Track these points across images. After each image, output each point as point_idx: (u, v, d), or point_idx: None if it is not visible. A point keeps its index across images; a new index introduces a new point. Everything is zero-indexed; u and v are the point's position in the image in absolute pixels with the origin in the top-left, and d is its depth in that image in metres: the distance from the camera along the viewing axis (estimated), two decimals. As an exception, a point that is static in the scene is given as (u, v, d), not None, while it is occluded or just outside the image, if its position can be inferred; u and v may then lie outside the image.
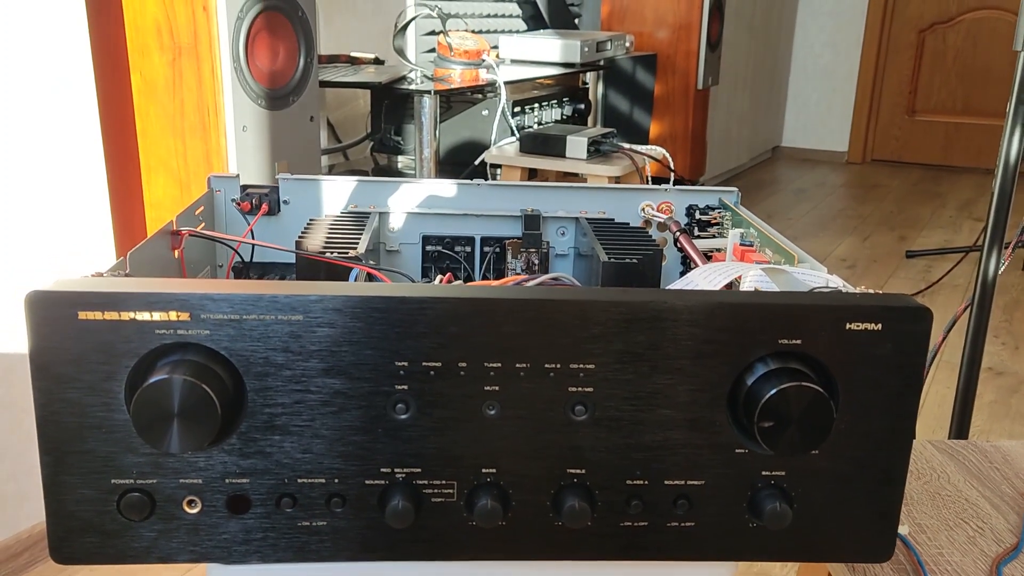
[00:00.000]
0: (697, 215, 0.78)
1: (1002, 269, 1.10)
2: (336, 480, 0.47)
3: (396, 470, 0.47)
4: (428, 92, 2.02)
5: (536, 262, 0.75)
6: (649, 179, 2.14)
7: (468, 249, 0.77)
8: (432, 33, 2.51)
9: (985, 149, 4.35)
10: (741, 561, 0.51)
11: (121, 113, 1.46)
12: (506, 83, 2.22)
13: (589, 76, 2.86)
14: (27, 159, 1.25)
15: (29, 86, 1.24)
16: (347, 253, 0.61)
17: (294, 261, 0.65)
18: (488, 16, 2.93)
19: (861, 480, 0.49)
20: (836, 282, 0.54)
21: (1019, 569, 0.58)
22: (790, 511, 0.48)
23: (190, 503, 0.47)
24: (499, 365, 0.46)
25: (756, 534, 0.49)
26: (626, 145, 2.12)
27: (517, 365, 0.46)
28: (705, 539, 0.49)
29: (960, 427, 1.18)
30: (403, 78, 2.14)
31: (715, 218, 0.78)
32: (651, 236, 0.74)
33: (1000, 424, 1.92)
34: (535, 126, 2.35)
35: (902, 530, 0.60)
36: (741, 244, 0.70)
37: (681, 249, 0.74)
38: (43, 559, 1.35)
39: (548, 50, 2.63)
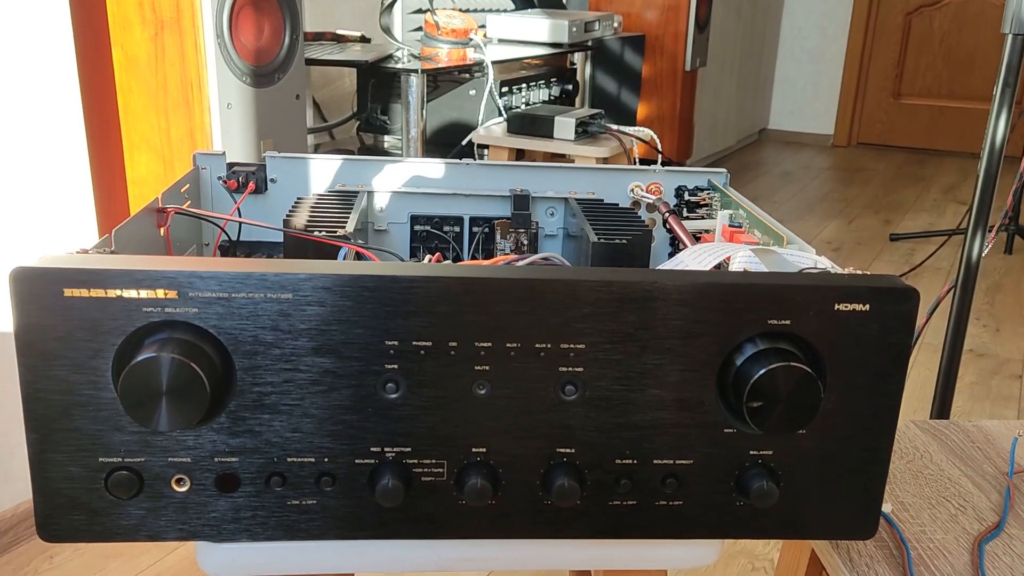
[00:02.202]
0: (686, 196, 0.78)
1: (985, 252, 1.11)
2: (326, 459, 0.47)
3: (386, 449, 0.47)
4: (415, 71, 2.00)
5: (525, 242, 0.75)
6: (637, 161, 2.14)
7: (457, 229, 0.77)
8: (419, 11, 2.48)
9: (969, 133, 4.37)
10: (728, 539, 0.51)
11: (102, 88, 1.44)
12: (494, 63, 2.20)
13: (577, 57, 2.85)
14: (6, 135, 1.23)
15: (7, 60, 1.22)
16: (335, 232, 0.61)
17: (282, 240, 0.64)
18: (475, -6, 2.90)
19: (846, 459, 0.49)
20: (824, 263, 0.54)
21: (1000, 547, 0.58)
22: (776, 489, 0.48)
23: (179, 481, 0.46)
24: (489, 345, 0.46)
25: (743, 512, 0.50)
26: (614, 126, 2.11)
27: (507, 345, 0.46)
28: (693, 517, 0.50)
29: (942, 408, 1.19)
30: (390, 57, 2.13)
31: (704, 199, 0.78)
32: (640, 217, 0.74)
33: (980, 405, 1.94)
34: (523, 106, 2.34)
35: (885, 508, 0.61)
36: (730, 225, 0.70)
37: (670, 230, 0.74)
38: (27, 538, 1.35)
39: (536, 30, 2.61)
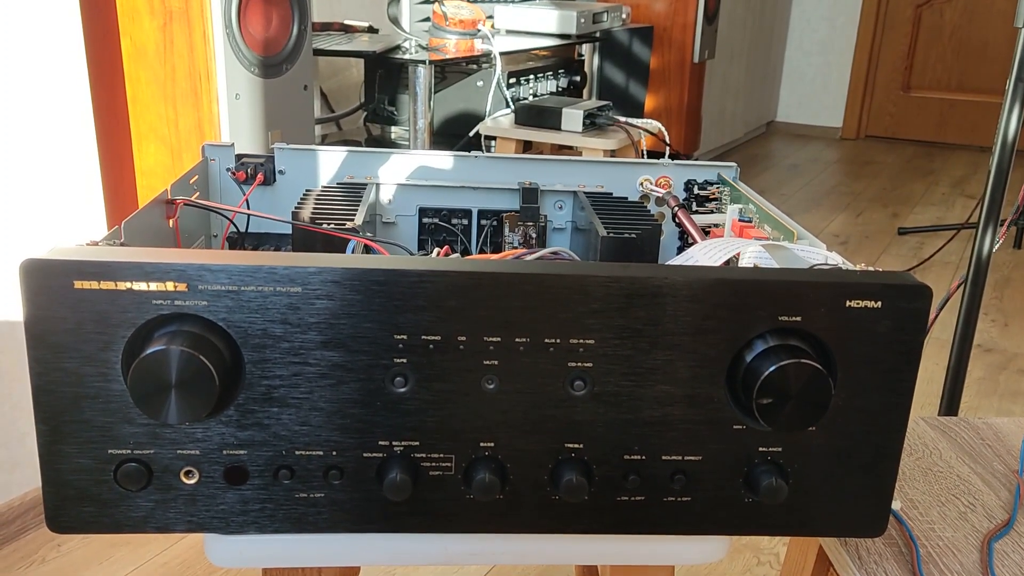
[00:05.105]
0: (695, 190, 0.78)
1: (996, 247, 1.11)
2: (334, 452, 0.47)
3: (394, 443, 0.47)
4: (423, 62, 2.00)
5: (534, 236, 0.74)
6: (644, 153, 2.13)
7: (465, 222, 0.77)
8: (427, 2, 2.48)
9: (979, 126, 4.34)
10: (736, 535, 0.51)
11: (111, 79, 1.44)
12: (501, 54, 2.19)
13: (585, 48, 2.83)
14: (15, 126, 1.24)
15: (16, 51, 1.22)
16: (344, 225, 0.61)
17: (290, 232, 0.64)
18: (483, -15, 2.88)
19: (857, 456, 0.49)
20: (835, 259, 0.54)
21: (1010, 545, 0.58)
22: (786, 486, 0.48)
23: (187, 474, 0.46)
24: (498, 339, 0.45)
25: (751, 509, 0.50)
26: (622, 118, 2.10)
27: (516, 339, 0.46)
28: (701, 514, 0.50)
29: (950, 404, 1.19)
30: (397, 47, 2.12)
31: (713, 193, 0.77)
32: (649, 211, 0.74)
33: (988, 401, 1.94)
34: (530, 98, 2.33)
35: (894, 506, 0.61)
36: (740, 220, 0.70)
37: (679, 224, 0.74)
38: (35, 526, 1.36)
39: (544, 21, 2.60)
